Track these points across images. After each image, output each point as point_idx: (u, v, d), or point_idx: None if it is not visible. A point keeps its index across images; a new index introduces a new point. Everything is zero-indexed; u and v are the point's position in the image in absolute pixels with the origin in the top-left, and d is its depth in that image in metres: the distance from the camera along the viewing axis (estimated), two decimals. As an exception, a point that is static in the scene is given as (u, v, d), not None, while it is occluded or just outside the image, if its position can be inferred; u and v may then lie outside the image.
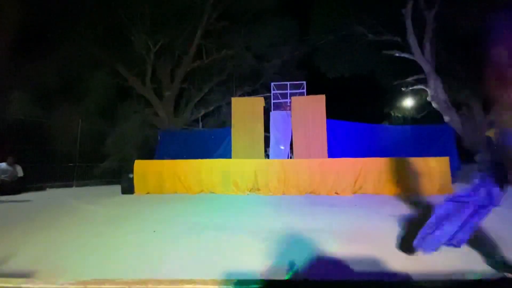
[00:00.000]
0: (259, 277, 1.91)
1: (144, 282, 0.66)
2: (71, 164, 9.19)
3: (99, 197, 6.26)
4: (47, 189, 8.06)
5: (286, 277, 1.89)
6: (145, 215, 4.18)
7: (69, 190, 8.24)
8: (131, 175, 6.65)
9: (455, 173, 7.32)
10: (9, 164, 7.17)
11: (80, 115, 9.61)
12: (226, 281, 0.65)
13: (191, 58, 12.32)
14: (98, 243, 2.77)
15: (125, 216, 4.05)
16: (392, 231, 3.03)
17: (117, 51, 10.91)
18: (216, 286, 0.63)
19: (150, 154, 10.24)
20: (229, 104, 10.04)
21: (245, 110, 8.78)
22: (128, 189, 6.56)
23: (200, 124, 14.11)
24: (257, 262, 2.20)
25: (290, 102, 9.10)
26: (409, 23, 9.39)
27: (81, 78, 10.28)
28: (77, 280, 0.67)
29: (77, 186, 9.00)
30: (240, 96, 12.96)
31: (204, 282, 0.66)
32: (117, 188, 6.87)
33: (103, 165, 10.02)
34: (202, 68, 12.97)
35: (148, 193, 6.51)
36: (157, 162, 7.11)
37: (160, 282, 0.66)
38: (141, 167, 6.73)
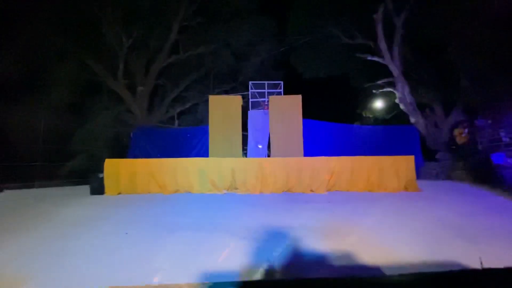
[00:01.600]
0: (237, 276, 1.92)
1: None
2: (32, 164, 8.47)
3: (66, 198, 5.86)
4: (5, 190, 7.37)
5: (261, 276, 1.92)
6: (117, 216, 3.99)
7: (30, 191, 7.61)
8: (101, 175, 6.31)
9: (419, 171, 7.89)
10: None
11: (45, 110, 8.87)
12: (201, 285, 0.64)
13: (167, 53, 11.94)
14: (65, 248, 2.60)
15: (95, 218, 3.84)
16: (364, 227, 3.20)
17: (86, 43, 10.22)
18: None
19: (122, 152, 9.78)
20: (206, 102, 9.88)
21: (223, 108, 8.70)
22: (98, 189, 6.22)
23: (176, 122, 13.73)
24: (235, 261, 2.21)
25: (267, 101, 9.18)
26: (380, 29, 9.91)
27: (45, 70, 9.47)
28: None
29: (39, 187, 8.33)
30: (217, 94, 12.80)
31: (179, 287, 0.64)
32: (86, 188, 6.48)
33: (70, 164, 9.36)
34: (179, 64, 12.62)
35: (119, 193, 6.22)
36: (130, 161, 6.81)
37: None
38: (112, 166, 6.41)
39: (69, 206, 4.85)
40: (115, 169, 6.37)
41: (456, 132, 8.97)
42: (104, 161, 6.46)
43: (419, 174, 7.65)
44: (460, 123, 9.24)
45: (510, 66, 8.58)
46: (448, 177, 8.47)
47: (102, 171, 6.32)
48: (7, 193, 7.11)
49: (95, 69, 10.92)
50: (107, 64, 11.06)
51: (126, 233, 3.01)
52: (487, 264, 1.69)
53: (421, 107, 10.53)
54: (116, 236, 2.95)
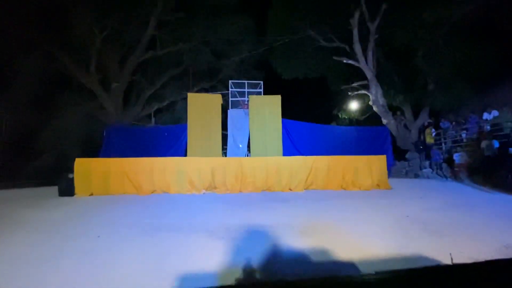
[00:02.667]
0: (215, 277, 1.92)
1: None
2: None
3: (31, 199, 5.46)
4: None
5: (240, 275, 1.94)
6: (88, 218, 3.80)
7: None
8: (71, 175, 5.95)
9: (390, 169, 8.35)
10: None
11: (5, 106, 8.17)
12: None
13: (144, 49, 11.51)
14: (31, 253, 2.43)
15: (64, 221, 3.63)
16: (339, 224, 3.33)
17: (54, 34, 9.53)
18: None
19: (94, 151, 9.27)
20: (185, 100, 9.66)
21: (202, 106, 8.56)
22: (67, 190, 5.86)
23: (153, 120, 13.29)
24: (213, 261, 2.20)
25: (247, 101, 9.19)
26: (355, 33, 10.30)
27: (6, 63, 8.71)
28: None
29: (2, 188, 7.66)
30: (197, 92, 12.56)
31: None
32: (54, 189, 6.08)
33: (36, 164, 8.72)
34: (156, 60, 12.23)
35: (91, 194, 5.92)
36: (103, 160, 6.50)
37: None
38: (83, 165, 6.07)
39: (35, 208, 4.54)
40: (86, 168, 6.05)
41: (427, 131, 9.60)
42: (74, 160, 6.11)
43: (390, 173, 8.10)
44: (429, 124, 9.90)
45: (471, 73, 9.36)
46: (416, 175, 9.04)
47: (72, 171, 5.97)
48: (-38, 195, 6.47)
49: (65, 62, 10.25)
50: (78, 58, 10.43)
51: (98, 237, 2.88)
52: (453, 257, 1.84)
53: (393, 109, 11.13)
54: (87, 240, 2.81)
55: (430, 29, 9.43)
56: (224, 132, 9.09)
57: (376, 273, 0.81)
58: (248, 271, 2.02)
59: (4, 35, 8.46)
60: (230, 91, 9.73)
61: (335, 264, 2.18)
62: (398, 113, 11.31)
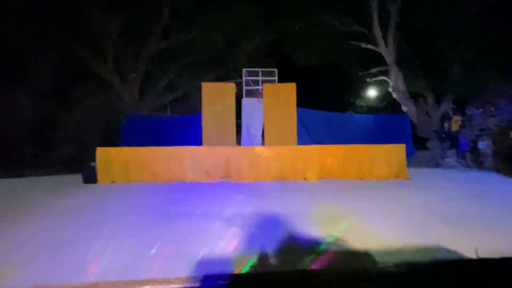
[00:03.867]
0: (230, 263, 1.96)
1: (97, 285, 0.62)
2: (22, 152, 8.27)
3: (57, 187, 5.79)
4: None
5: (255, 263, 1.96)
6: (110, 205, 3.98)
7: (21, 180, 7.48)
8: (93, 164, 6.23)
9: (410, 159, 8.07)
10: None
11: (29, 97, 8.57)
12: (190, 278, 0.64)
13: (157, 39, 11.57)
14: (57, 238, 2.58)
15: (88, 207, 3.82)
16: (355, 213, 3.28)
17: (73, 27, 9.79)
18: (180, 285, 0.62)
19: (113, 140, 9.61)
20: (199, 89, 9.71)
21: (216, 96, 8.55)
22: (91, 178, 6.16)
23: (169, 109, 13.51)
24: (228, 248, 2.24)
25: (261, 89, 9.08)
26: (375, 16, 9.79)
27: (29, 55, 9.08)
28: (31, 285, 0.61)
29: (30, 175, 8.17)
30: (211, 81, 12.56)
31: (168, 282, 0.63)
32: (77, 177, 6.40)
33: (59, 153, 9.18)
34: (170, 49, 12.27)
35: (113, 182, 6.18)
36: (122, 150, 6.73)
37: (115, 284, 0.63)
38: (104, 154, 6.33)
39: (61, 194, 4.80)
40: (107, 157, 6.30)
41: (454, 119, 9.11)
42: (95, 149, 6.37)
43: (410, 162, 7.83)
44: (455, 112, 9.39)
45: (499, 58, 8.69)
46: (438, 165, 8.69)
47: (93, 160, 6.24)
48: (-4, 182, 6.97)
49: (83, 55, 10.54)
50: (95, 50, 10.67)
51: (120, 221, 3.02)
52: (468, 250, 1.76)
53: (413, 96, 10.63)
54: (110, 225, 2.95)
55: (455, 10, 8.77)
56: (238, 121, 9.09)
57: (394, 265, 0.78)
58: (263, 258, 2.05)
59: (26, 30, 8.78)
60: (244, 80, 9.64)
61: (351, 254, 2.16)
62: (420, 100, 10.79)
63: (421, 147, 9.81)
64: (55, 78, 9.41)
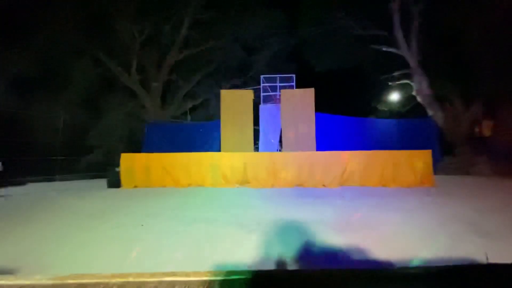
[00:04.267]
0: (247, 268, 1.94)
1: (125, 276, 0.64)
2: (53, 157, 8.85)
3: (84, 191, 6.10)
4: (28, 183, 7.77)
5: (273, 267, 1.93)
6: (133, 209, 4.12)
7: (52, 184, 7.98)
8: (117, 169, 6.52)
9: (437, 165, 7.63)
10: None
11: (62, 106, 9.22)
12: (208, 273, 0.64)
13: (178, 48, 12.03)
14: (83, 238, 2.71)
15: (112, 210, 3.98)
16: (377, 222, 3.14)
17: (100, 40, 10.47)
18: (199, 278, 0.62)
19: (136, 147, 10.02)
20: (218, 96, 9.92)
21: (234, 102, 8.69)
22: (115, 183, 6.44)
23: (189, 117, 13.89)
24: (247, 253, 2.23)
25: (279, 95, 9.09)
26: (396, 18, 9.53)
27: (62, 67, 9.80)
28: (55, 276, 0.64)
29: (60, 180, 8.72)
30: (229, 88, 12.81)
31: (187, 275, 0.64)
32: (103, 182, 6.72)
33: (87, 159, 9.74)
34: (190, 59, 12.69)
35: (135, 186, 6.41)
36: (144, 156, 6.98)
37: (140, 275, 0.64)
38: (128, 160, 6.60)
39: (86, 198, 5.06)
40: (130, 163, 6.56)
41: (486, 124, 8.55)
42: (119, 155, 6.66)
43: (437, 169, 7.40)
44: (486, 116, 8.82)
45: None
46: (467, 172, 8.15)
47: (118, 165, 6.52)
48: (30, 185, 7.49)
49: (110, 66, 11.19)
50: (120, 60, 11.29)
51: (142, 225, 3.11)
52: (497, 260, 1.62)
53: (439, 100, 10.12)
54: (132, 228, 3.04)
55: (484, 9, 8.31)
56: (256, 128, 9.14)
57: (404, 267, 0.73)
58: (280, 264, 2.01)
59: (58, 43, 9.51)
60: (261, 86, 9.72)
61: (373, 263, 2.06)
62: (447, 103, 10.24)
63: (449, 153, 9.26)
64: (86, 88, 10.08)
